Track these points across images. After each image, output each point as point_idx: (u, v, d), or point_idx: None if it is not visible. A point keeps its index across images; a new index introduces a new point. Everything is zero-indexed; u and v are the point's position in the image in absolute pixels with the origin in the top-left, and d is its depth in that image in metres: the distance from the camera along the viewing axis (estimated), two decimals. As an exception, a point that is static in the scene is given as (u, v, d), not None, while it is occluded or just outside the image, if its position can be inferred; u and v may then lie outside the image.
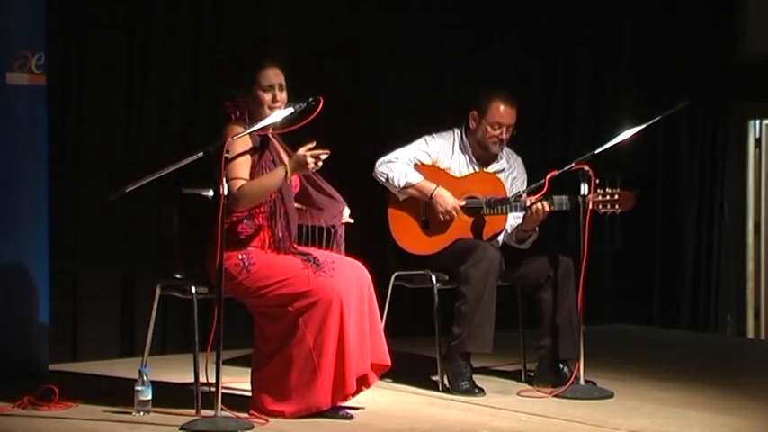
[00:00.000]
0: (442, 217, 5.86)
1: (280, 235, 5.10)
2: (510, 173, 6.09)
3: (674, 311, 8.75)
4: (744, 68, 8.79)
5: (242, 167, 5.02)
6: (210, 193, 5.15)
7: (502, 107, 5.95)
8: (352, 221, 5.32)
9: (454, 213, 5.86)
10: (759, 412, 5.43)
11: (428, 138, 6.04)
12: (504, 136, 5.97)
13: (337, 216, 5.28)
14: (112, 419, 4.96)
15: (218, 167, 4.87)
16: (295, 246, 5.14)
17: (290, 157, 5.25)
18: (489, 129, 5.96)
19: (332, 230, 5.26)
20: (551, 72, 8.39)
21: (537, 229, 5.92)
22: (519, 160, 6.15)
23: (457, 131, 6.08)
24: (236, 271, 5.02)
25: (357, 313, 5.04)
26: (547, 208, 5.76)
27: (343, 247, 5.26)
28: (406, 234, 5.94)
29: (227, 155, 4.85)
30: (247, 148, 5.06)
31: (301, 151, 4.95)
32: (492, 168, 6.06)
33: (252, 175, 5.08)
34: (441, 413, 5.34)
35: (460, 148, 6.05)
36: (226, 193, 4.86)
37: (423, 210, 5.93)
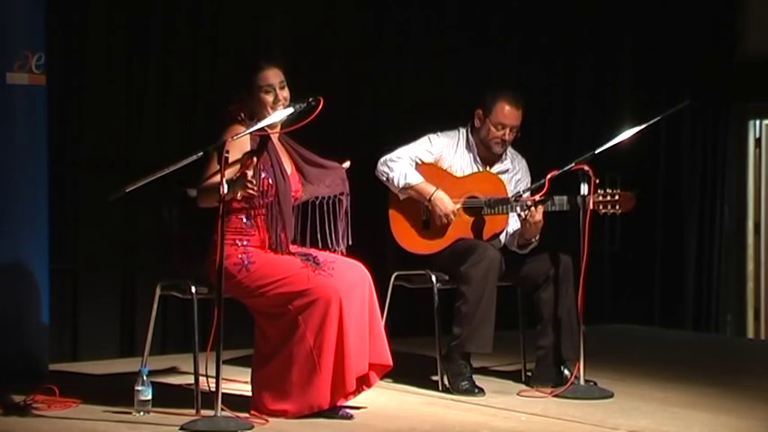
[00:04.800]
0: (439, 220, 5.86)
1: (278, 237, 5.10)
2: (514, 174, 6.08)
3: (674, 311, 8.75)
4: (744, 68, 8.79)
5: (216, 171, 4.97)
6: (195, 192, 5.14)
7: (507, 108, 5.94)
8: (348, 164, 5.32)
9: (452, 217, 5.86)
10: (759, 412, 5.43)
11: (432, 136, 6.04)
12: (507, 137, 5.96)
13: (340, 183, 5.28)
14: (112, 419, 4.96)
15: (208, 167, 4.94)
16: (292, 248, 5.14)
17: (291, 158, 5.27)
18: (493, 129, 5.95)
19: (338, 200, 5.26)
20: (552, 72, 8.39)
21: (538, 236, 5.91)
22: (523, 162, 6.14)
23: (462, 130, 6.07)
24: (235, 270, 5.03)
25: (357, 313, 5.03)
26: (538, 216, 5.74)
27: (346, 223, 5.26)
28: (407, 234, 5.94)
29: (226, 155, 4.85)
30: (242, 151, 5.03)
31: (249, 173, 4.88)
32: (496, 169, 6.05)
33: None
34: (441, 413, 5.34)
35: (466, 146, 6.04)
36: (227, 190, 4.85)
37: (423, 210, 5.92)
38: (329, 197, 5.26)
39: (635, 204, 5.79)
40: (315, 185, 5.25)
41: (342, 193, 5.28)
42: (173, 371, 6.01)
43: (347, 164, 5.33)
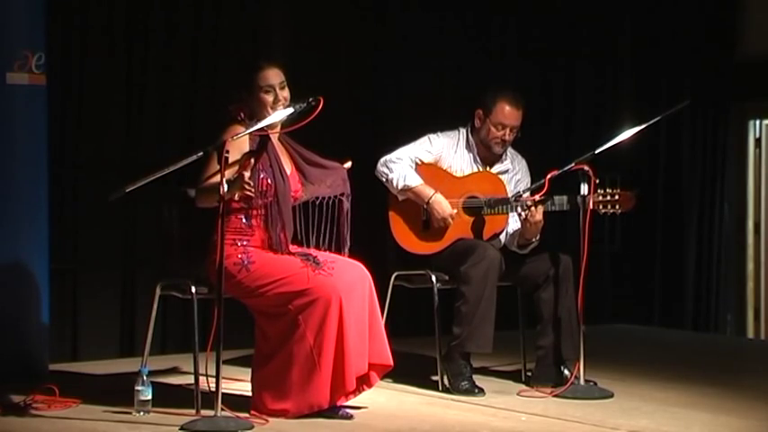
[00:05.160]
0: (437, 223, 5.86)
1: (277, 237, 5.10)
2: (514, 174, 6.08)
3: (674, 311, 8.75)
4: (744, 68, 8.79)
5: (215, 171, 4.96)
6: (193, 192, 5.14)
7: (507, 108, 5.94)
8: (350, 164, 5.32)
9: (450, 221, 5.86)
10: (759, 412, 5.43)
11: (432, 136, 6.04)
12: (507, 137, 5.96)
13: (341, 183, 5.28)
14: (112, 419, 4.96)
15: (207, 167, 4.95)
16: (292, 248, 5.14)
17: (291, 158, 5.27)
18: (493, 129, 5.95)
19: (338, 201, 5.26)
20: (552, 72, 8.39)
21: (538, 236, 5.91)
22: (523, 162, 6.14)
23: (462, 130, 6.07)
24: (235, 270, 5.03)
25: (357, 313, 5.03)
26: (538, 216, 5.74)
27: (347, 224, 5.26)
28: (407, 234, 5.94)
29: (226, 155, 4.85)
30: (242, 151, 5.02)
31: (246, 174, 4.89)
32: (496, 169, 6.05)
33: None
34: (441, 413, 5.34)
35: (466, 146, 6.04)
36: (226, 190, 4.85)
37: (423, 210, 5.92)
38: (330, 198, 5.26)
39: (635, 204, 5.79)
40: (316, 186, 5.25)
41: (343, 194, 5.28)
42: (173, 371, 6.01)
43: (348, 164, 5.33)
